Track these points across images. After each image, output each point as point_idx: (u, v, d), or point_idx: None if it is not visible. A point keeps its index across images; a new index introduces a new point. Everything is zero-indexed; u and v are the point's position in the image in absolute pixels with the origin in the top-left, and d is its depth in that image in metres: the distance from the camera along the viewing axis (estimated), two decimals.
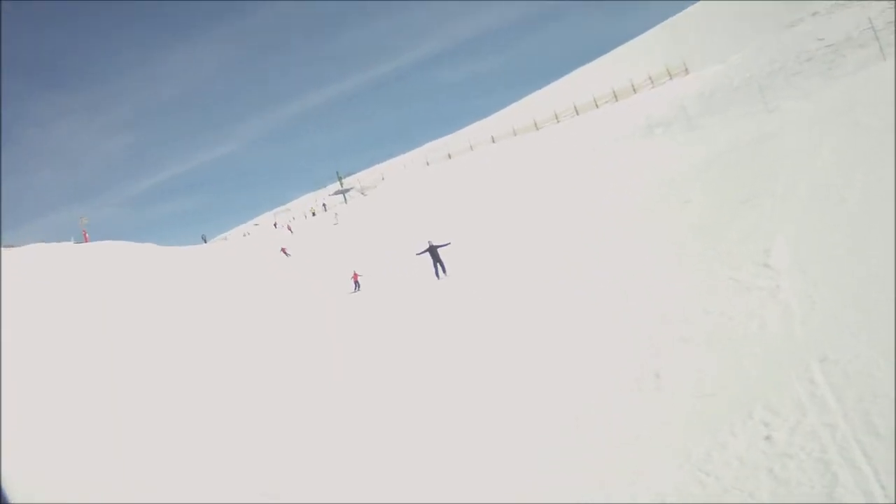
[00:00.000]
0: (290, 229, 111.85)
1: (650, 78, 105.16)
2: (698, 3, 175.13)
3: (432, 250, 24.92)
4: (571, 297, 12.21)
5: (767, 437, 4.83)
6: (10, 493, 6.43)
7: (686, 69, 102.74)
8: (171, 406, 16.60)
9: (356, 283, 30.82)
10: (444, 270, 24.32)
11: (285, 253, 55.79)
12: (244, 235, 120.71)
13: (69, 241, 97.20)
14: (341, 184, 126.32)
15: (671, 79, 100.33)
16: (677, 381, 6.47)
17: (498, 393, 8.39)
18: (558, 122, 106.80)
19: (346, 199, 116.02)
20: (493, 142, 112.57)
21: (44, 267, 70.63)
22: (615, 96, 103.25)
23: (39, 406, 22.42)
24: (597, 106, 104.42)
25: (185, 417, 14.82)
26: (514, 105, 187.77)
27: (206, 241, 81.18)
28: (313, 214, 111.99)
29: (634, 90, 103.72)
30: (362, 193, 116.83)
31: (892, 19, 41.36)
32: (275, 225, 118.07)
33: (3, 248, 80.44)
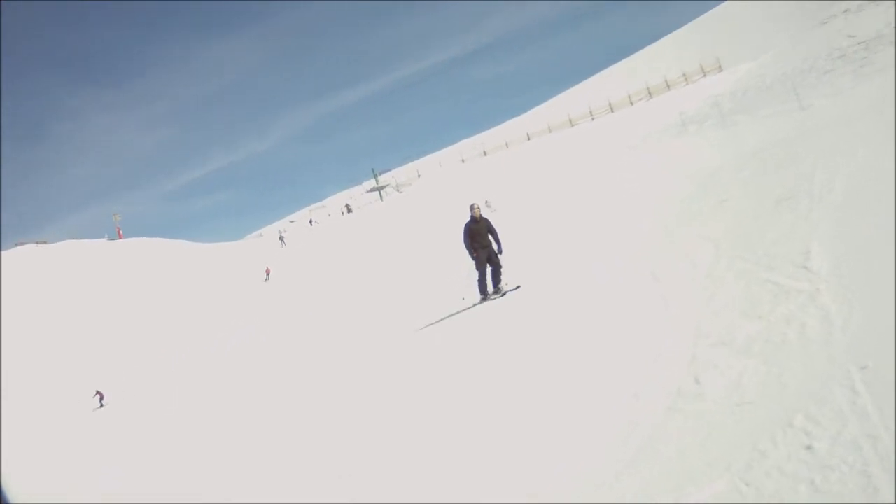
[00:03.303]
0: (311, 223, 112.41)
1: (684, 75, 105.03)
2: (729, 2, 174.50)
3: (479, 236, 17.38)
4: (606, 299, 12.12)
5: (808, 447, 4.74)
6: (10, 493, 6.43)
7: (720, 66, 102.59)
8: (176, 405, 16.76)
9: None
10: (496, 281, 17.21)
11: (267, 274, 54.00)
12: (279, 232, 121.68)
13: (103, 237, 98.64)
14: (377, 181, 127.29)
15: (704, 76, 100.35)
16: (716, 388, 6.37)
17: (534, 401, 8.31)
18: (593, 118, 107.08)
19: (381, 196, 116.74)
20: (529, 139, 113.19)
21: (74, 264, 71.16)
22: (649, 93, 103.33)
23: (39, 407, 22.58)
24: (631, 103, 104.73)
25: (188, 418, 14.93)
26: (548, 102, 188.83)
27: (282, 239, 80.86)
28: (349, 211, 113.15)
29: (668, 87, 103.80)
30: (398, 190, 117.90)
31: None
32: (310, 222, 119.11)
33: (36, 245, 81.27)
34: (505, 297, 16.62)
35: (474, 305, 16.84)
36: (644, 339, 8.91)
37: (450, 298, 18.48)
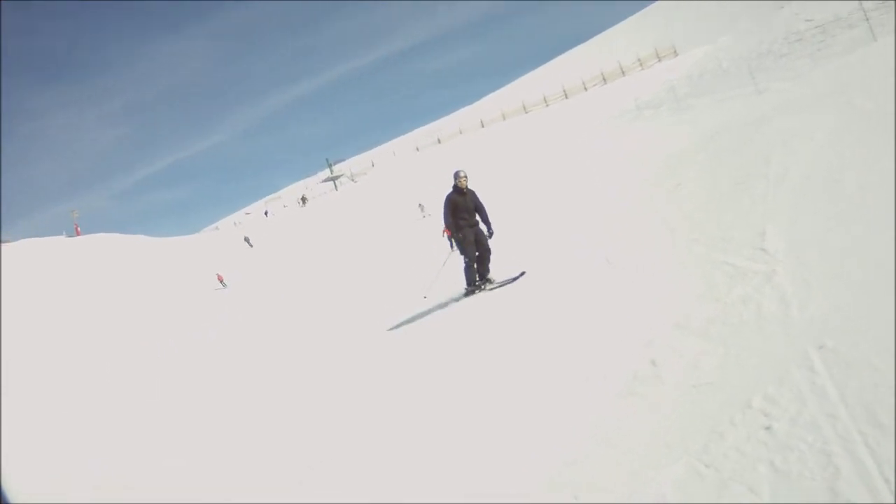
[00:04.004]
0: (266, 214, 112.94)
1: (639, 60, 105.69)
2: None
3: (465, 212, 14.93)
4: (560, 285, 12.15)
5: (767, 428, 4.77)
6: (10, 493, 6.37)
7: (675, 51, 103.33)
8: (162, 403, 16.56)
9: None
10: (483, 270, 14.98)
11: (222, 282, 52.53)
12: (234, 224, 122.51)
13: (61, 234, 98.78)
14: (331, 171, 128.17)
15: (660, 61, 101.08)
16: (673, 371, 6.39)
17: (486, 393, 8.29)
18: (547, 105, 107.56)
19: (336, 186, 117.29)
20: (483, 126, 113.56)
21: (35, 261, 70.57)
22: (604, 79, 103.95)
23: (36, 404, 22.34)
24: (585, 89, 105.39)
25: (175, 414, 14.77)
26: (503, 89, 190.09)
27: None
28: (303, 201, 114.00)
29: (623, 73, 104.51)
30: (352, 180, 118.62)
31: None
32: (265, 213, 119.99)
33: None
34: (498, 287, 14.28)
35: (458, 299, 14.71)
36: (601, 325, 8.93)
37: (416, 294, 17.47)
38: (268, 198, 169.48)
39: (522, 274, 14.04)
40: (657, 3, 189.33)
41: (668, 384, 6.20)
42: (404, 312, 15.23)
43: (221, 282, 52.03)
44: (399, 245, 32.28)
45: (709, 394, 5.66)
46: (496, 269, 14.79)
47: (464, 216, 14.94)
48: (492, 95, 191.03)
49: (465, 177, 15.24)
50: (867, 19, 37.76)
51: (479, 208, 15.18)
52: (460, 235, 14.95)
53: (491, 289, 14.42)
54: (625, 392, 6.44)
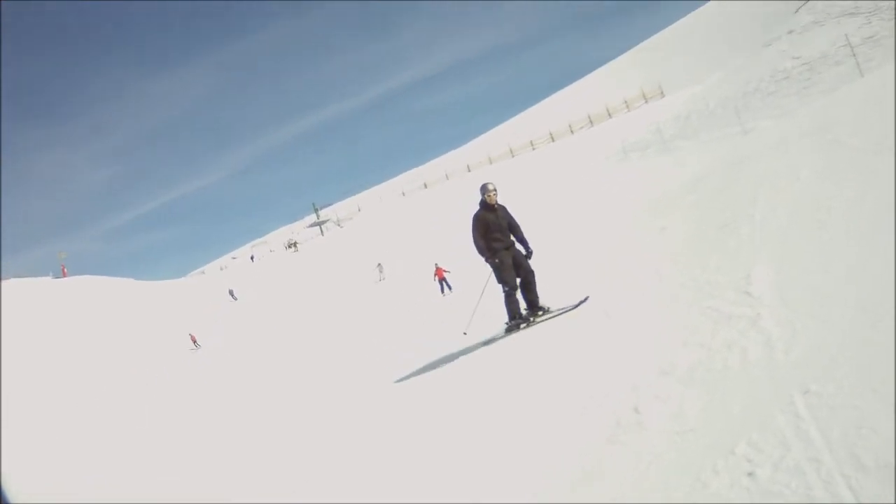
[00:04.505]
0: (252, 259, 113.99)
1: (625, 102, 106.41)
2: (672, 27, 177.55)
3: (499, 232, 13.40)
4: (549, 334, 12.17)
5: (751, 474, 4.77)
6: (10, 493, 6.36)
7: (662, 92, 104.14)
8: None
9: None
10: (532, 297, 13.46)
11: (195, 343, 52.04)
12: (221, 269, 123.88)
13: (47, 275, 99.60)
14: (317, 216, 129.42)
15: (647, 102, 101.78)
16: (656, 418, 6.41)
17: (472, 436, 8.31)
18: (533, 148, 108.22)
19: (322, 231, 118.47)
20: (469, 170, 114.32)
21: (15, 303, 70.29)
22: (590, 121, 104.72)
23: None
24: (572, 132, 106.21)
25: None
26: (489, 133, 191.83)
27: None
28: (289, 247, 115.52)
29: (610, 115, 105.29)
30: (339, 225, 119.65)
31: (869, 35, 41.78)
32: (252, 258, 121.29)
33: None
34: (556, 316, 12.72)
35: (500, 337, 13.25)
36: (585, 372, 8.95)
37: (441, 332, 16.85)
38: (254, 242, 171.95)
39: (586, 299, 12.40)
40: (644, 43, 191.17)
41: (650, 431, 6.21)
42: (414, 363, 14.87)
43: (194, 342, 51.35)
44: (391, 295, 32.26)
45: (692, 441, 5.67)
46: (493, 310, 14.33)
47: (497, 236, 13.32)
48: (479, 139, 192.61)
49: (495, 190, 13.70)
50: (854, 55, 38.17)
51: (514, 226, 13.68)
52: (496, 260, 13.29)
53: (547, 318, 12.88)
54: (608, 440, 6.45)
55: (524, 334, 12.58)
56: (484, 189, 13.62)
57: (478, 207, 13.60)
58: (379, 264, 49.99)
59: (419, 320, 24.87)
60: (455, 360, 12.98)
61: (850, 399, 5.01)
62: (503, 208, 13.64)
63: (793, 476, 4.53)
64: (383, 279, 48.61)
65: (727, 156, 23.36)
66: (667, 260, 13.07)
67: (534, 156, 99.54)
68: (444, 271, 38.51)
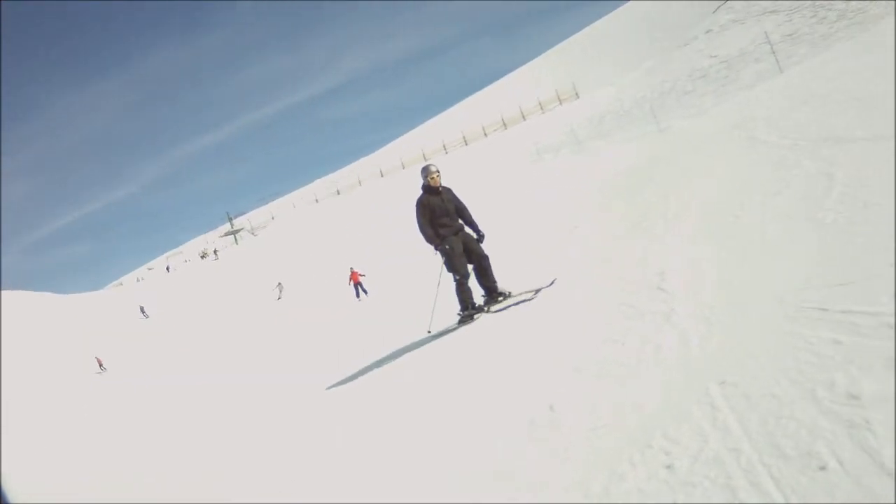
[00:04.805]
0: (168, 269, 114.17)
1: (540, 104, 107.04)
2: (587, 29, 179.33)
3: (445, 216, 12.81)
4: (458, 333, 12.14)
5: (669, 467, 4.71)
6: (10, 493, 6.16)
7: (576, 93, 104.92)
8: None
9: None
10: (487, 281, 12.97)
11: (100, 365, 51.31)
12: (137, 280, 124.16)
13: None
14: (231, 225, 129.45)
15: (561, 104, 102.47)
16: (571, 414, 6.35)
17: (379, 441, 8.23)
18: (446, 152, 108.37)
19: (236, 240, 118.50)
20: (382, 175, 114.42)
21: None
22: (504, 124, 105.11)
23: None
24: (485, 134, 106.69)
25: None
26: (403, 137, 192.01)
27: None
28: (215, 253, 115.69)
29: (524, 117, 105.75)
30: (253, 234, 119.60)
31: (790, 32, 42.52)
32: (167, 269, 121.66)
33: None
34: (505, 307, 12.24)
35: (452, 330, 12.66)
36: (500, 370, 8.91)
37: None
38: (169, 253, 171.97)
39: (553, 283, 11.88)
40: (559, 45, 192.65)
41: (565, 428, 6.15)
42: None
43: (101, 365, 50.57)
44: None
45: (607, 436, 5.62)
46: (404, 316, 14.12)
47: (444, 221, 12.71)
48: (392, 144, 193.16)
49: (437, 172, 13.09)
50: (773, 52, 38.71)
51: (461, 209, 13.10)
52: (446, 247, 12.58)
53: (507, 306, 12.20)
54: (523, 438, 6.38)
55: (461, 330, 12.46)
56: (426, 171, 13.08)
57: (420, 192, 13.04)
58: (279, 283, 49.86)
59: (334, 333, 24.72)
60: (383, 363, 12.91)
61: (767, 388, 4.99)
62: (448, 190, 13.12)
63: (712, 467, 4.47)
64: (281, 298, 48.53)
65: (641, 155, 23.57)
66: (580, 258, 13.11)
67: (447, 159, 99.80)
68: (360, 275, 38.49)
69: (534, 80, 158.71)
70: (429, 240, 12.71)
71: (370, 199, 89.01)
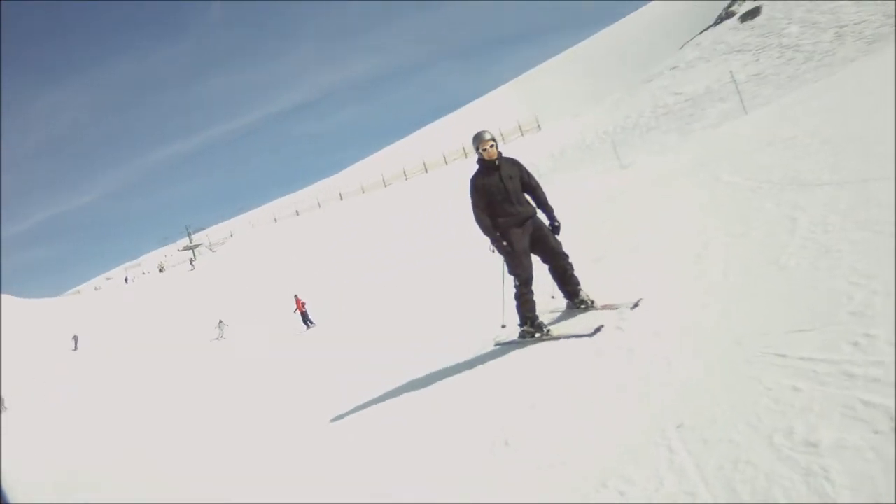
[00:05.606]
0: (126, 281, 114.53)
1: (501, 134, 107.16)
2: (552, 60, 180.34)
3: (508, 200, 9.81)
4: (415, 364, 12.14)
5: None
6: (10, 492, 6.13)
7: (538, 125, 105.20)
8: None
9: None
10: (567, 284, 10.48)
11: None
12: (95, 290, 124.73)
13: None
14: (190, 239, 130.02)
15: (522, 135, 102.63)
16: (526, 451, 6.40)
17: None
18: (406, 179, 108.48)
19: (195, 255, 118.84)
20: (341, 199, 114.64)
21: None
22: (465, 152, 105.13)
23: None
24: (446, 163, 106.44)
25: None
26: (363, 161, 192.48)
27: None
28: (160, 270, 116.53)
29: None
30: (211, 250, 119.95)
31: (756, 72, 42.86)
32: (126, 280, 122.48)
33: None
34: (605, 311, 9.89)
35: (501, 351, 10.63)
36: (452, 401, 8.94)
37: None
38: (128, 264, 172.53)
39: (638, 303, 9.34)
40: (522, 77, 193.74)
41: (521, 464, 6.20)
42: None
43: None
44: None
45: (562, 473, 5.68)
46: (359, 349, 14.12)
47: (504, 208, 9.86)
48: (352, 167, 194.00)
49: (493, 140, 10.11)
50: (738, 92, 39.04)
51: (532, 187, 10.20)
52: (503, 243, 9.92)
53: (569, 335, 9.57)
54: (478, 474, 6.42)
55: (391, 361, 12.49)
56: (478, 139, 10.16)
57: (476, 167, 10.27)
58: (220, 321, 49.63)
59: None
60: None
61: (725, 432, 5.07)
62: (512, 163, 10.21)
63: None
64: (222, 337, 48.36)
65: (603, 191, 23.73)
66: (538, 294, 13.18)
67: (406, 186, 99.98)
68: (303, 303, 38.12)
69: (496, 111, 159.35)
70: (485, 232, 10.01)
71: (328, 221, 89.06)
